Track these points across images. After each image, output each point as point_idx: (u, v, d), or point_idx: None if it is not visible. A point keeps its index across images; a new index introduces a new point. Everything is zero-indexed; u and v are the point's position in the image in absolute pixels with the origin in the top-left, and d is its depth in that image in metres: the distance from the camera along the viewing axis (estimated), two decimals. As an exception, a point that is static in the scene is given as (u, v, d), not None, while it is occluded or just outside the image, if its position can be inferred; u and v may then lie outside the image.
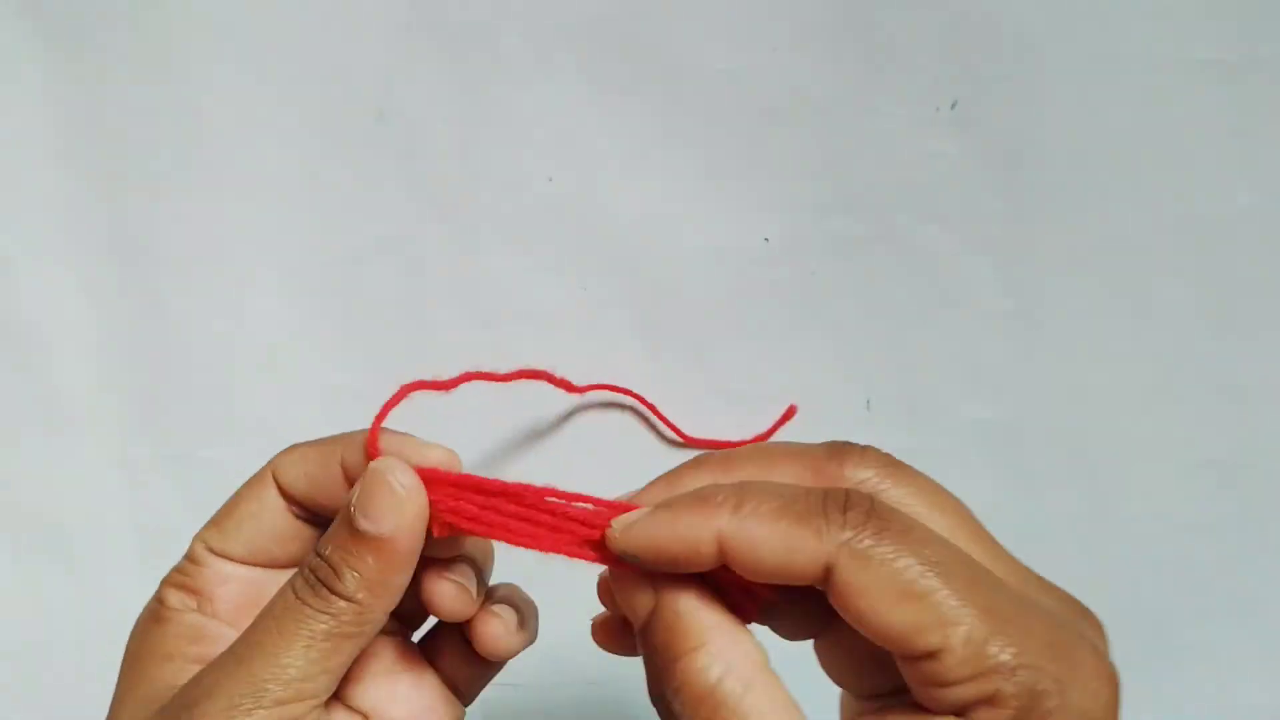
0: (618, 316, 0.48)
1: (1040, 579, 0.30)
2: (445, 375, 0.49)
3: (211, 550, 0.35)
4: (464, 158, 0.48)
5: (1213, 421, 0.47)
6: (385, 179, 0.48)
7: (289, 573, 0.34)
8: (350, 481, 0.34)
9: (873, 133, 0.47)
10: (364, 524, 0.31)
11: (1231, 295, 0.47)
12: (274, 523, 0.35)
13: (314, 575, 0.32)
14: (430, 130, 0.48)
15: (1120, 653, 0.48)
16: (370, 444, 0.33)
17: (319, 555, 0.32)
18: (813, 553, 0.27)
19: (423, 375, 0.48)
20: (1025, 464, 0.48)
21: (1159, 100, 0.46)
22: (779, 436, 0.48)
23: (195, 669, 0.33)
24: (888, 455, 0.31)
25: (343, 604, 0.31)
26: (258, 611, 0.33)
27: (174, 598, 0.35)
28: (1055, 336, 0.47)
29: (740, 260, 0.48)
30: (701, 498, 0.29)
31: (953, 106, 0.46)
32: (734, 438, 0.48)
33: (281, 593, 0.32)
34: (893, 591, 0.26)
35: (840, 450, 0.31)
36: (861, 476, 0.30)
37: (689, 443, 0.48)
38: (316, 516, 0.35)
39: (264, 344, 0.49)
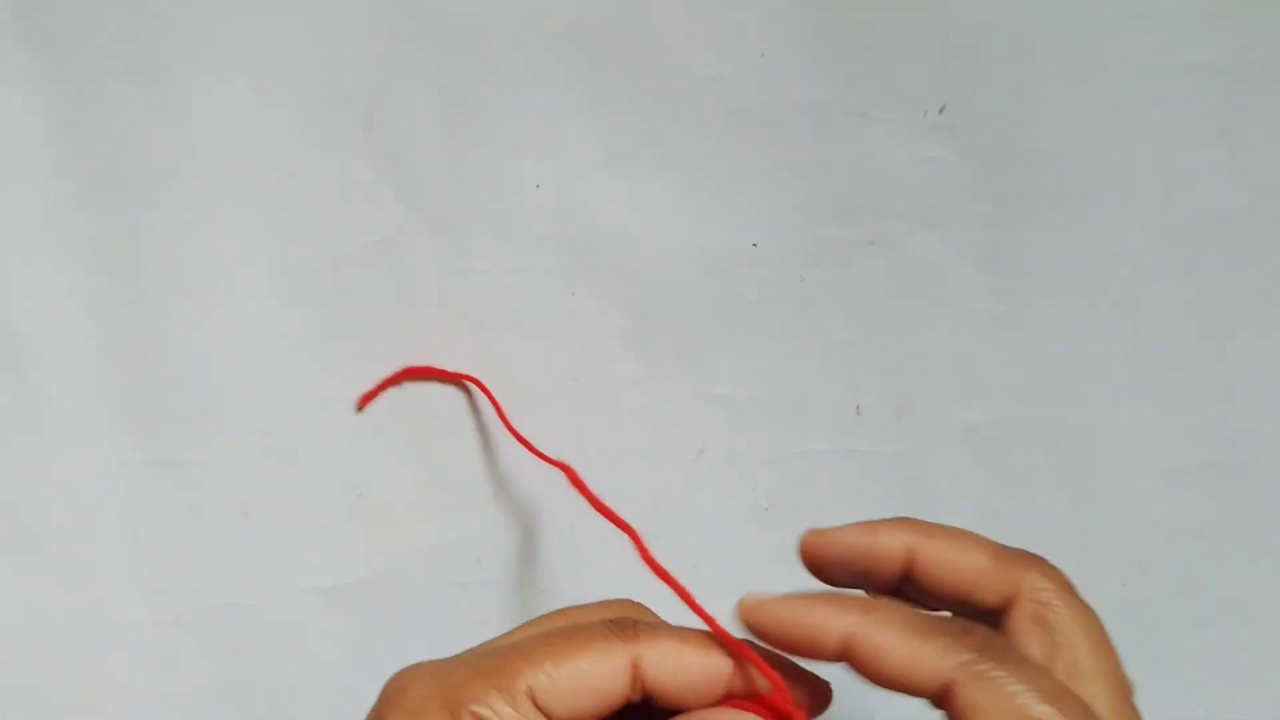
0: (605, 322, 0.48)
1: None
2: (433, 383, 0.49)
3: (536, 702, 0.31)
4: (452, 164, 0.48)
5: (1204, 425, 0.47)
6: (374, 185, 0.48)
7: None
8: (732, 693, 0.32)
9: (861, 138, 0.47)
10: None
11: (1222, 300, 0.47)
12: (610, 702, 0.32)
13: None
14: (419, 137, 0.48)
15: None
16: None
17: None
18: (934, 668, 0.29)
19: (410, 382, 0.49)
20: (1015, 468, 0.48)
21: (1148, 104, 0.46)
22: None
23: None
24: (1065, 577, 0.33)
25: None
26: None
27: None
28: (1045, 340, 0.47)
29: (728, 265, 0.48)
30: (834, 596, 0.31)
31: (941, 111, 0.46)
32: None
33: None
34: (1011, 715, 0.28)
35: (1030, 557, 0.33)
36: (1039, 586, 0.32)
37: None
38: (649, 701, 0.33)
39: (254, 349, 0.49)
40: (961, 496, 0.48)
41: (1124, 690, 0.32)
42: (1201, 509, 0.47)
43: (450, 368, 0.49)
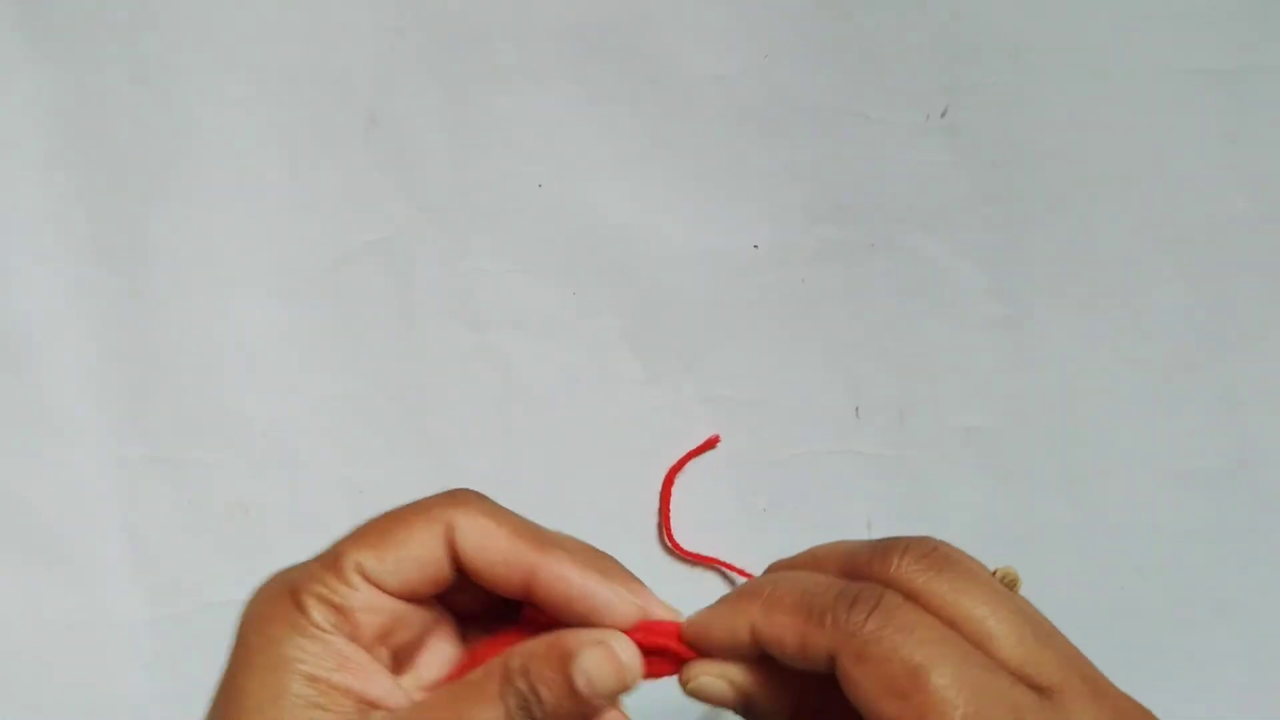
0: (607, 322, 0.48)
1: (1093, 684, 0.31)
2: (431, 381, 0.49)
3: (366, 576, 0.33)
4: (454, 163, 0.48)
5: (1203, 429, 0.47)
6: (375, 184, 0.48)
7: (418, 609, 0.34)
8: (533, 592, 0.34)
9: (863, 140, 0.47)
10: (583, 687, 0.32)
11: (1223, 304, 0.47)
12: (435, 570, 0.34)
13: (526, 707, 0.32)
14: (421, 136, 0.48)
15: (1108, 659, 0.48)
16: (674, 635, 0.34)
17: (534, 691, 0.32)
18: (820, 645, 0.30)
19: (411, 380, 0.49)
20: (1014, 471, 0.48)
21: (1150, 108, 0.46)
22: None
23: (340, 697, 0.32)
24: (935, 548, 0.31)
25: None
26: (388, 643, 0.34)
27: (318, 613, 0.33)
28: (1045, 344, 0.47)
29: (730, 267, 0.48)
30: (744, 591, 0.33)
31: (943, 114, 0.46)
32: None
33: (489, 700, 0.32)
34: (884, 686, 0.28)
35: (885, 546, 0.32)
36: (906, 570, 0.31)
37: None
38: (463, 577, 0.35)
39: (255, 346, 0.49)
40: (961, 499, 0.48)
41: (1023, 626, 0.31)
42: (1200, 513, 0.47)
43: (456, 370, 0.49)
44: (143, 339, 0.49)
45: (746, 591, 0.33)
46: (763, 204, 0.47)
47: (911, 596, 0.30)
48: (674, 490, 0.48)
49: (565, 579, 0.34)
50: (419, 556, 0.34)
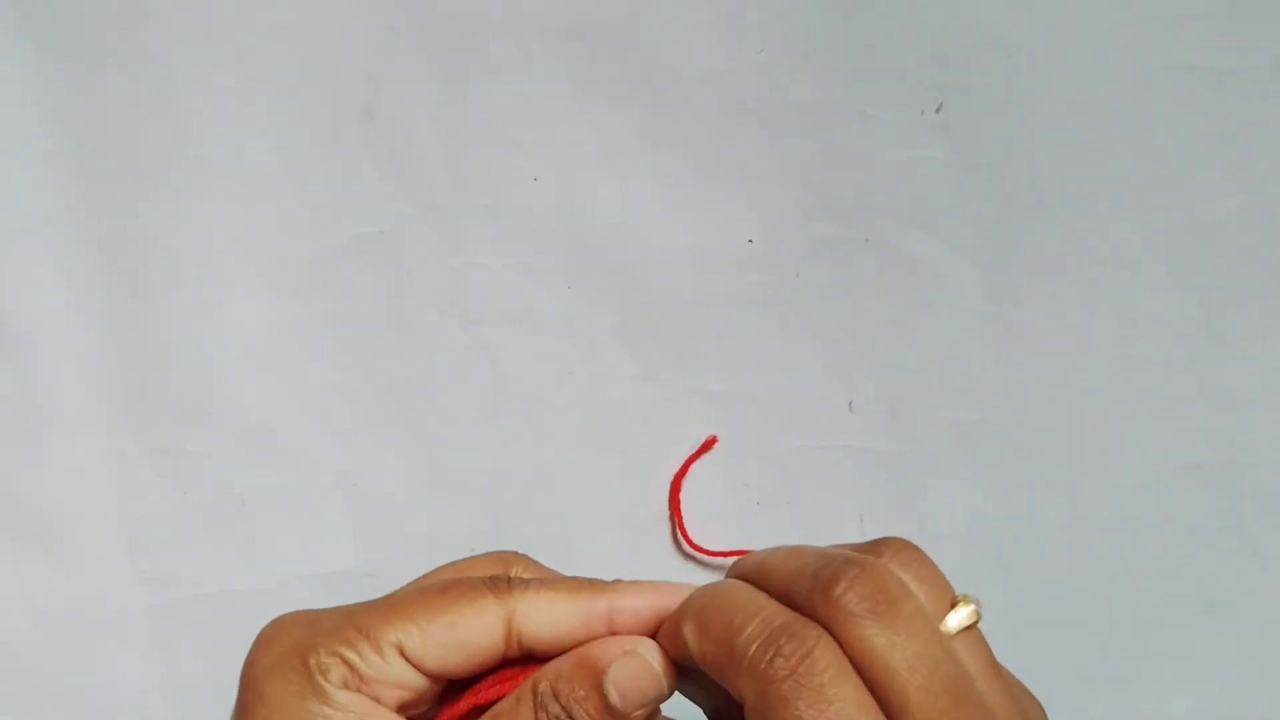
0: (601, 317, 0.49)
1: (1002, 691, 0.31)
2: (425, 374, 0.49)
3: (405, 655, 0.32)
4: (449, 158, 0.48)
5: (1194, 426, 0.47)
6: (370, 178, 0.48)
7: (436, 684, 0.33)
8: (611, 630, 0.33)
9: (858, 136, 0.47)
10: (616, 701, 0.31)
11: (1214, 301, 0.47)
12: (484, 657, 0.32)
13: None
14: (416, 130, 0.48)
15: (1098, 656, 0.48)
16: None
17: (567, 713, 0.31)
18: (735, 683, 0.29)
19: (405, 373, 0.49)
20: (1007, 467, 0.48)
21: (1144, 105, 0.46)
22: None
23: None
24: (882, 586, 0.30)
25: None
26: (406, 711, 0.32)
27: (336, 673, 0.31)
28: (1038, 340, 0.47)
29: (724, 262, 0.48)
30: (686, 606, 0.32)
31: (938, 110, 0.46)
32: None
33: None
34: None
35: (830, 576, 0.30)
36: (845, 610, 0.29)
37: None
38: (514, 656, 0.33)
39: (249, 339, 0.49)
40: (952, 494, 0.48)
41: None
42: (1190, 510, 0.47)
43: (451, 364, 0.49)
44: (138, 331, 0.49)
45: (688, 607, 0.32)
46: (757, 200, 0.47)
47: (843, 643, 0.28)
48: (665, 486, 0.49)
49: (637, 611, 0.33)
50: (469, 643, 0.32)
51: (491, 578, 0.33)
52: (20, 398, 0.49)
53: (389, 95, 0.48)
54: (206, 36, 0.47)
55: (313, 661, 0.31)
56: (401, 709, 0.32)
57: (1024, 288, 0.47)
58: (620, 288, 0.48)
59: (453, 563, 0.36)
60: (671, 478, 0.48)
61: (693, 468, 0.49)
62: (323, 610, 0.33)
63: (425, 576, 0.35)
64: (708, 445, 0.48)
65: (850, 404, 0.48)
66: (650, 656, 0.32)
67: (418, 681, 0.32)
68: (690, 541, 0.48)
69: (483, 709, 0.33)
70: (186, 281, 0.49)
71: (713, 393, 0.48)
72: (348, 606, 0.33)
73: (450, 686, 0.34)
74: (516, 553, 0.36)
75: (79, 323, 0.49)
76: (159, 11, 0.47)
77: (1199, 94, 0.46)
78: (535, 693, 0.31)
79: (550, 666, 0.32)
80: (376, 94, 0.48)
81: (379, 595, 0.48)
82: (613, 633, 0.32)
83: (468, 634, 0.32)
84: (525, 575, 0.35)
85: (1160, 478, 0.47)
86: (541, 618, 0.32)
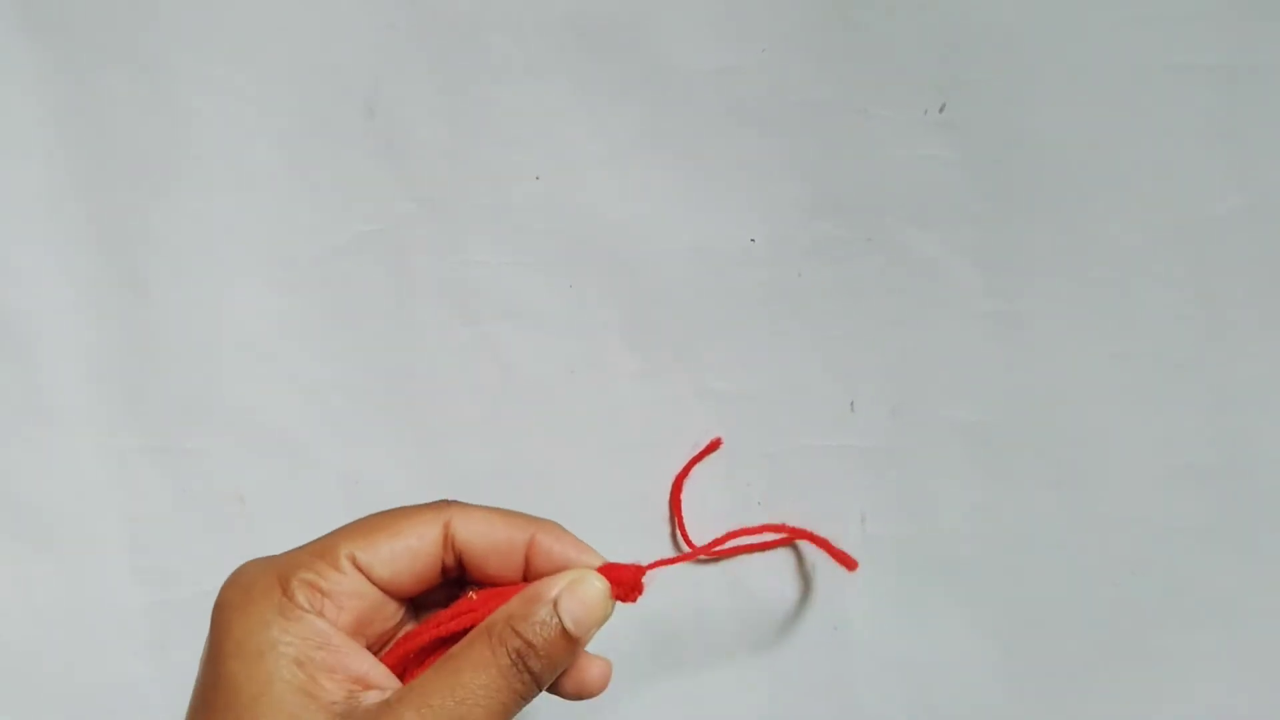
0: (603, 315, 0.48)
1: None
2: (427, 372, 0.49)
3: (357, 564, 0.35)
4: (451, 155, 0.48)
5: (1197, 425, 0.47)
6: (372, 175, 0.48)
7: (394, 607, 0.36)
8: (531, 562, 0.37)
9: (860, 135, 0.47)
10: (571, 626, 0.35)
11: (1217, 300, 0.47)
12: (426, 566, 0.36)
13: (522, 661, 0.34)
14: (418, 128, 0.48)
15: (1099, 656, 0.48)
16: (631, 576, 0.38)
17: (528, 643, 0.34)
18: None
19: (407, 371, 0.49)
20: (1008, 466, 0.48)
21: (1147, 104, 0.46)
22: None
23: (327, 679, 0.33)
24: None
25: (534, 687, 0.34)
26: (365, 632, 0.35)
27: (302, 595, 0.34)
28: (1040, 339, 0.47)
29: (726, 261, 0.48)
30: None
31: (941, 109, 0.46)
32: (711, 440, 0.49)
33: (485, 664, 0.34)
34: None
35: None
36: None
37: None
38: (460, 572, 0.37)
39: (251, 337, 0.49)
40: (954, 494, 0.48)
41: None
42: (1194, 509, 0.47)
43: (452, 362, 0.49)
44: (140, 328, 0.49)
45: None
46: (759, 198, 0.47)
47: None
48: (667, 485, 0.49)
49: (562, 539, 0.37)
50: (413, 548, 0.36)
51: (433, 501, 0.38)
52: (20, 395, 0.50)
53: (391, 93, 0.48)
54: (208, 34, 0.47)
55: (279, 587, 0.34)
56: (358, 626, 0.35)
57: (1026, 287, 0.47)
58: (622, 286, 0.48)
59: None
60: (673, 476, 0.48)
61: (694, 467, 0.48)
62: (282, 552, 0.36)
63: None
64: (712, 447, 0.48)
65: (852, 403, 0.48)
66: (596, 582, 0.36)
67: (371, 592, 0.35)
68: (690, 543, 0.48)
69: (445, 641, 0.36)
70: (187, 279, 0.49)
71: (714, 391, 0.48)
72: (304, 545, 0.36)
73: (411, 619, 0.38)
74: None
75: (79, 320, 0.49)
76: (161, 9, 0.47)
77: (1202, 93, 0.45)
78: (491, 634, 0.34)
79: (500, 610, 0.35)
80: (378, 91, 0.48)
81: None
82: (529, 560, 0.37)
83: (410, 539, 0.36)
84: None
85: (1162, 477, 0.47)
86: (474, 527, 0.36)
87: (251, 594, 0.34)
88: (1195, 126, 0.46)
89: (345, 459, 0.50)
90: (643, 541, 0.48)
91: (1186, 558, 0.47)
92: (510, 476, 0.49)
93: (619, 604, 0.37)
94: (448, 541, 0.36)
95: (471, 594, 0.37)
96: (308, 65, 0.48)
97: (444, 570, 0.37)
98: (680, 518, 0.48)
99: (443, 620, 0.36)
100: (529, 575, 0.37)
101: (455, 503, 0.37)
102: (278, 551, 0.49)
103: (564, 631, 0.35)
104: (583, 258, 0.48)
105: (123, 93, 0.48)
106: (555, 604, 0.35)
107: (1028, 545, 0.48)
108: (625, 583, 0.37)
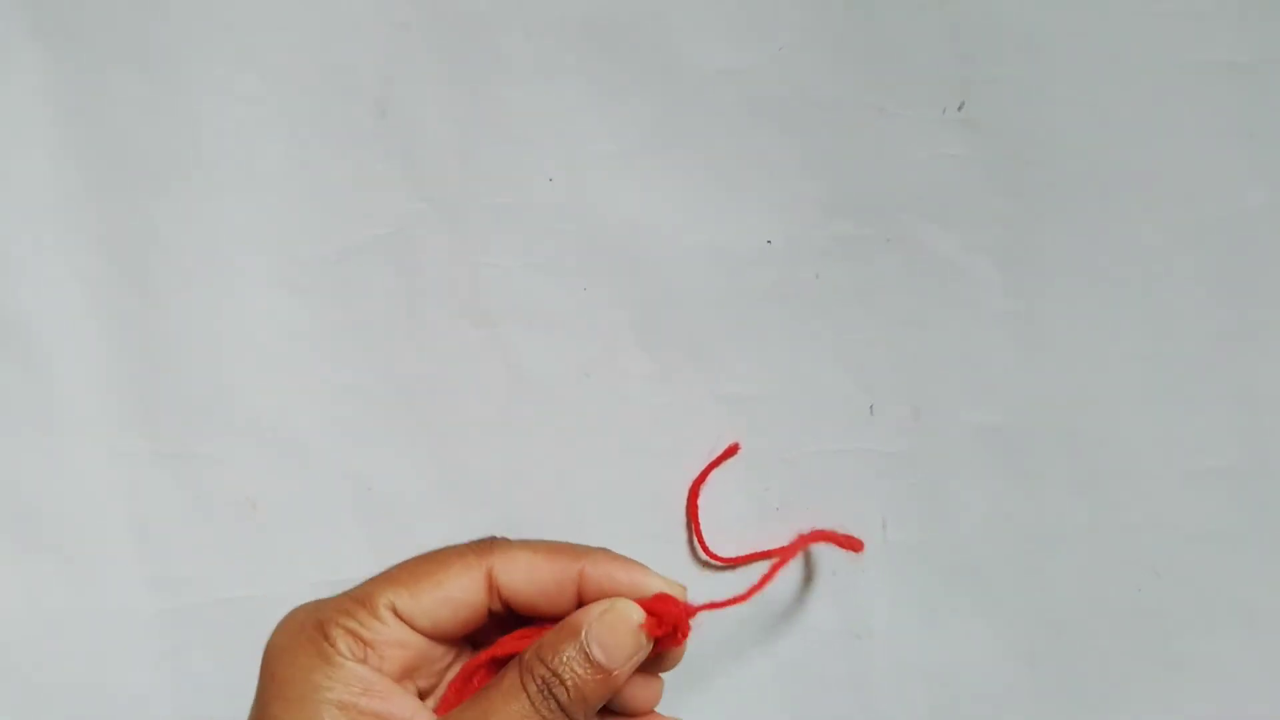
0: (617, 317, 0.48)
1: None
2: (438, 375, 0.49)
3: (398, 614, 0.35)
4: (464, 156, 0.48)
5: (1219, 428, 0.47)
6: (384, 177, 0.48)
7: (444, 649, 0.37)
8: (583, 595, 0.36)
9: (878, 134, 0.46)
10: (599, 656, 0.34)
11: (1240, 300, 0.46)
12: (471, 614, 0.36)
13: (549, 690, 0.34)
14: (430, 129, 0.48)
15: (1121, 660, 0.48)
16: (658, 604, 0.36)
17: (554, 673, 0.34)
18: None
19: (419, 375, 0.49)
20: (1029, 469, 0.47)
21: (1168, 101, 0.45)
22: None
23: None
24: None
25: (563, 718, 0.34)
26: (414, 678, 0.36)
27: (344, 643, 0.35)
28: (1061, 341, 0.47)
29: (742, 263, 0.47)
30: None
31: (960, 108, 0.46)
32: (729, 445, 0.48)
33: (513, 695, 0.34)
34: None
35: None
36: None
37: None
38: (510, 613, 0.37)
39: (261, 340, 0.49)
40: (975, 498, 0.47)
41: None
42: (1217, 513, 0.47)
43: (465, 365, 0.49)
44: (150, 333, 0.49)
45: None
46: (775, 198, 0.47)
47: None
48: (684, 490, 0.48)
49: (612, 567, 0.36)
50: (455, 599, 0.36)
51: (475, 540, 0.37)
52: (31, 400, 0.49)
53: (403, 93, 0.47)
54: (217, 34, 0.47)
55: (320, 635, 0.34)
56: (406, 673, 0.35)
57: (1047, 286, 0.47)
58: (637, 288, 0.48)
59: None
60: (690, 481, 0.48)
61: (712, 472, 0.48)
62: (327, 597, 0.36)
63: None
64: (730, 453, 0.48)
65: (871, 406, 0.48)
66: (627, 611, 0.35)
67: (415, 640, 0.35)
68: (707, 550, 0.48)
69: (500, 662, 0.36)
70: (198, 282, 0.49)
71: (731, 394, 0.48)
72: (348, 589, 0.36)
73: (468, 651, 0.38)
74: (500, 537, 0.39)
75: (89, 324, 0.49)
76: (170, 10, 0.47)
77: (1225, 89, 0.45)
78: (521, 661, 0.34)
79: (537, 640, 0.35)
80: (390, 92, 0.47)
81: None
82: (580, 594, 0.36)
83: (452, 590, 0.36)
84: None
85: (1187, 480, 0.47)
86: (518, 571, 0.36)
87: (298, 639, 0.35)
88: (1217, 124, 0.45)
89: (357, 463, 0.49)
90: (658, 549, 0.48)
91: (1209, 562, 0.47)
92: (523, 481, 0.49)
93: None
94: (492, 588, 0.36)
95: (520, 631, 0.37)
96: (318, 65, 0.47)
97: (491, 614, 0.37)
98: (698, 524, 0.48)
99: (499, 644, 0.36)
100: (584, 602, 0.37)
101: (499, 542, 0.37)
102: (291, 559, 0.49)
103: (593, 662, 0.34)
104: (596, 259, 0.48)
105: (131, 94, 0.48)
106: (585, 633, 0.34)
107: (1049, 549, 0.47)
108: (668, 617, 0.36)
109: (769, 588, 0.47)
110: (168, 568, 0.50)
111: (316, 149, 0.48)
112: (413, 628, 0.35)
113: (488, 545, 0.37)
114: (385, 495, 0.49)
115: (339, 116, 0.48)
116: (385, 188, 0.48)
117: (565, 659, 0.34)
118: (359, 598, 0.35)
